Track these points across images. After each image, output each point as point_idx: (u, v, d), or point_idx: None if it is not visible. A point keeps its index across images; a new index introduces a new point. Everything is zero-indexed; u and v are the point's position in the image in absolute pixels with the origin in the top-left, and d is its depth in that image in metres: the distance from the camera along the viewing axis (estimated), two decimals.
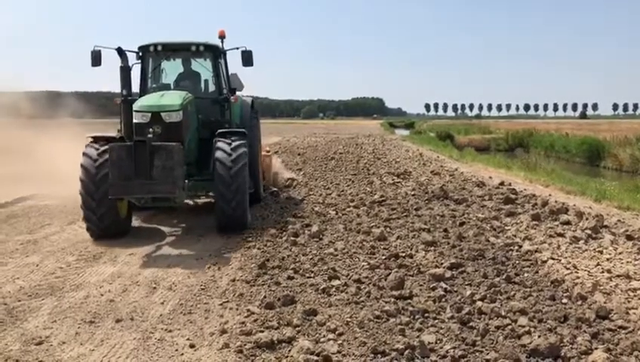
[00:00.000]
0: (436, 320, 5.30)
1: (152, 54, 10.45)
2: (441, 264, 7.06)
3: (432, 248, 7.94)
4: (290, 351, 4.60)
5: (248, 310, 5.52)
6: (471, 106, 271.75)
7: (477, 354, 4.63)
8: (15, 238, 8.90)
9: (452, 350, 4.65)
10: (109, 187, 8.14)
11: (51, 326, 5.31)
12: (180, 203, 8.91)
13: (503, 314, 5.40)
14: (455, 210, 10.79)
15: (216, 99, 10.49)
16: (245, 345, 4.72)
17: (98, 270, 7.17)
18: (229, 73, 11.04)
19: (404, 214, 10.40)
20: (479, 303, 5.64)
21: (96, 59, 9.75)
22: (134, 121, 8.94)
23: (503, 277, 6.48)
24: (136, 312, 5.66)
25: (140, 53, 10.32)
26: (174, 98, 9.23)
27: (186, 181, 8.80)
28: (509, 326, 5.10)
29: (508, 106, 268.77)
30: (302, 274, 6.70)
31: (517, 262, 7.21)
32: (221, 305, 5.81)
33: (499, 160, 24.36)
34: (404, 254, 7.61)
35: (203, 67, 10.71)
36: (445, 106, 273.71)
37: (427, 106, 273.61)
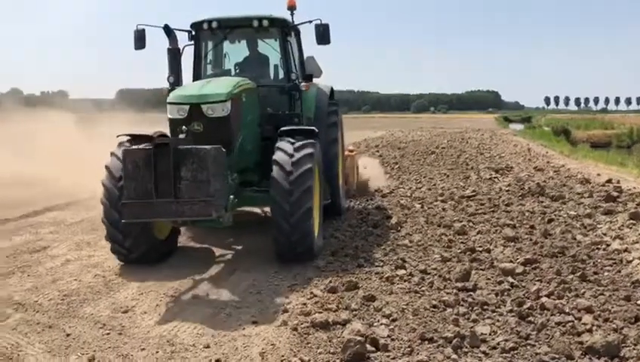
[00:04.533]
0: (494, 313, 5.29)
1: (207, 33, 8.64)
2: (516, 259, 6.94)
3: (512, 244, 7.79)
4: (342, 332, 4.83)
5: (312, 293, 5.83)
6: (596, 100, 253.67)
7: (528, 347, 4.60)
8: None
9: (503, 342, 4.65)
10: (121, 208, 6.21)
11: (138, 297, 5.95)
12: (227, 223, 6.52)
13: (567, 311, 5.27)
14: (548, 207, 10.40)
15: (283, 88, 8.48)
16: (302, 324, 5.03)
17: (186, 249, 7.79)
18: (304, 55, 9.27)
19: (492, 210, 10.20)
20: (544, 299, 5.53)
21: (140, 39, 8.19)
22: (169, 116, 7.08)
23: (578, 274, 6.26)
24: (212, 290, 6.17)
25: (193, 32, 8.59)
26: (221, 86, 7.25)
27: (232, 196, 6.69)
28: (570, 324, 4.98)
29: (639, 100, 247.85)
30: (371, 263, 6.90)
31: (599, 260, 6.91)
32: (289, 287, 6.17)
33: (613, 156, 22.83)
34: (481, 249, 7.55)
35: (272, 49, 8.80)
36: (567, 100, 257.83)
37: (547, 100, 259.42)
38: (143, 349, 4.69)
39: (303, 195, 6.65)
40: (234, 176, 7.09)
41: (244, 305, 5.66)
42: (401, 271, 6.45)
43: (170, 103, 7.06)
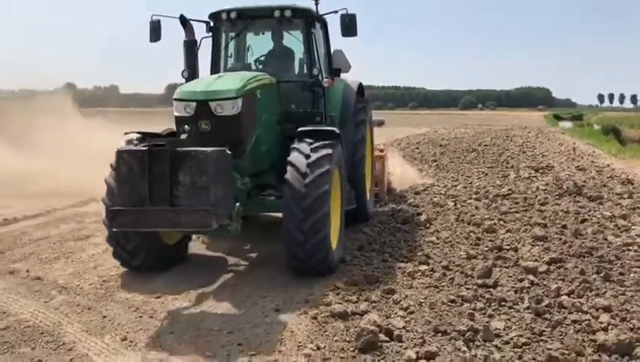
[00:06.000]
0: (511, 309, 5.39)
1: (226, 24, 8.10)
2: (542, 258, 6.97)
3: (541, 243, 7.78)
4: (359, 322, 5.03)
5: (334, 285, 6.04)
6: None
7: (541, 343, 4.70)
8: None
9: (517, 337, 4.77)
10: (111, 215, 5.64)
11: (170, 285, 6.30)
12: (234, 233, 6.20)
13: (585, 309, 5.33)
14: (583, 207, 10.29)
15: (305, 84, 7.84)
16: (322, 313, 5.26)
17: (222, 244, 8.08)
18: (331, 49, 8.71)
19: (525, 208, 10.16)
20: (563, 297, 5.59)
21: (155, 31, 7.67)
22: (175, 113, 6.60)
23: (602, 275, 6.27)
24: (241, 279, 6.47)
25: (211, 23, 8.07)
26: (232, 82, 6.69)
27: (237, 204, 6.14)
28: (586, 322, 5.05)
29: None
30: (396, 258, 7.06)
31: (627, 261, 6.86)
32: (314, 279, 6.39)
33: None
34: (508, 247, 7.60)
35: (297, 41, 8.13)
36: (622, 97, 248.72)
37: (600, 97, 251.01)
38: (172, 333, 5.01)
39: (320, 200, 6.05)
40: (245, 181, 6.61)
41: (269, 295, 5.92)
42: (424, 267, 6.60)
43: (176, 100, 6.54)
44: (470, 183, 13.42)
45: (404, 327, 4.93)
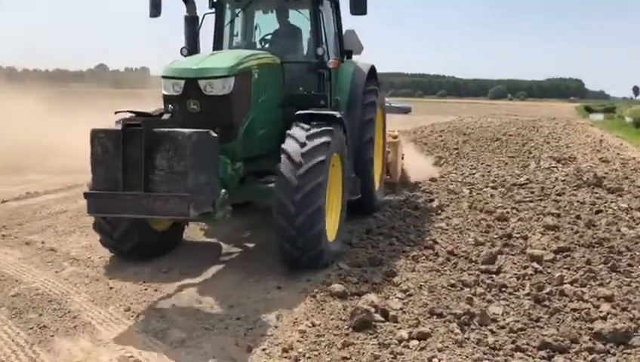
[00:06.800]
0: (511, 296, 5.40)
1: (230, 1, 7.73)
2: (550, 247, 6.93)
3: (552, 232, 7.72)
4: (357, 302, 5.09)
5: (338, 266, 6.10)
6: None
7: (536, 329, 4.70)
8: None
9: (513, 322, 4.77)
10: (85, 198, 5.22)
11: (180, 259, 6.44)
12: (221, 221, 5.79)
13: (586, 298, 5.30)
14: (600, 198, 10.15)
15: (311, 65, 7.40)
16: (321, 292, 5.33)
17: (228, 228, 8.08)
18: (342, 29, 8.27)
19: (540, 198, 10.07)
20: (566, 286, 5.57)
21: (155, 6, 7.30)
22: (163, 92, 6.16)
23: (609, 265, 6.21)
24: (247, 257, 6.59)
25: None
26: (225, 59, 6.26)
27: (223, 191, 5.56)
28: (586, 310, 5.02)
29: None
30: (402, 243, 7.09)
31: (638, 253, 6.78)
32: None
33: None
34: (518, 235, 7.56)
35: (306, 20, 7.66)
36: None
37: (636, 89, 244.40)
38: (174, 305, 5.15)
39: (313, 192, 5.67)
40: (237, 166, 6.20)
41: (273, 273, 6.00)
42: (428, 251, 6.62)
43: (164, 77, 6.11)
44: (489, 172, 13.32)
45: (400, 309, 4.98)
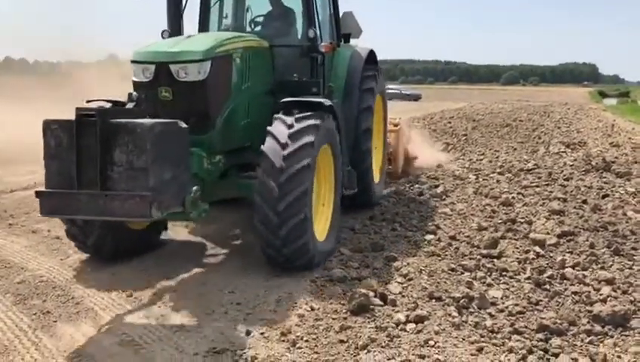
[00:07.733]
0: (512, 279, 5.40)
1: None
2: (554, 231, 6.90)
3: (557, 217, 7.67)
4: (357, 287, 5.12)
5: (339, 251, 6.13)
6: None
7: (535, 312, 4.70)
8: None
9: (512, 306, 4.77)
10: (37, 197, 4.64)
11: (183, 248, 6.54)
12: (197, 219, 5.42)
13: (587, 282, 5.28)
14: (608, 183, 10.07)
15: (302, 49, 6.76)
16: (321, 277, 5.37)
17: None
18: (339, 11, 7.65)
19: (547, 183, 10.01)
20: (567, 269, 5.56)
21: None
22: (133, 78, 5.59)
23: (612, 249, 6.18)
24: (249, 247, 6.60)
25: None
26: (201, 42, 5.68)
27: (195, 188, 4.92)
28: (586, 294, 5.01)
29: None
30: (405, 228, 7.09)
31: None
32: None
33: None
34: (522, 220, 7.52)
35: (298, 1, 6.93)
36: None
37: None
38: (175, 291, 5.22)
39: (298, 200, 5.17)
40: (215, 160, 5.73)
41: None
42: (430, 236, 6.63)
43: (133, 62, 5.53)
44: (496, 158, 13.26)
45: (400, 293, 5.00)
